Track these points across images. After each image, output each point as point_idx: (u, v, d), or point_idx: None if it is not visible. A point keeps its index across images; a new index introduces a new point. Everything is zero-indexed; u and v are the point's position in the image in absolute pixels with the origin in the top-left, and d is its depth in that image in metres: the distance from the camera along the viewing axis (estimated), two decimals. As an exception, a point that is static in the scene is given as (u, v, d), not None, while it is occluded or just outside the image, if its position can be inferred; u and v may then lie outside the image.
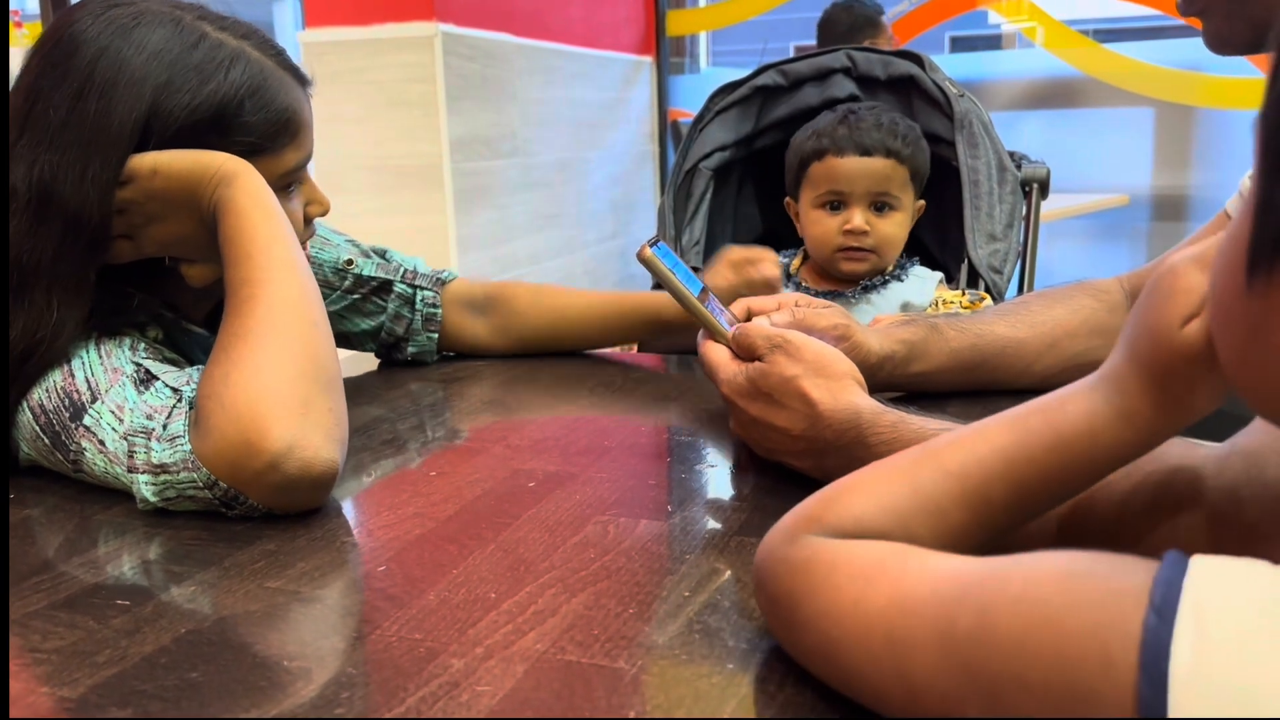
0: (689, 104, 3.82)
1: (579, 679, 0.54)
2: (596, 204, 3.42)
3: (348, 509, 0.82)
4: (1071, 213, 3.03)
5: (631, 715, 0.51)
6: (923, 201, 1.53)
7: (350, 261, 1.18)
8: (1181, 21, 3.00)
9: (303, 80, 0.95)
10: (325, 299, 0.94)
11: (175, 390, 0.81)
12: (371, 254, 1.21)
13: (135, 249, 0.88)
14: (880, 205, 1.48)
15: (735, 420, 0.86)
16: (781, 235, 1.73)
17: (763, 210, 1.92)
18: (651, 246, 0.88)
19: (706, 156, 1.82)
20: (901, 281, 1.51)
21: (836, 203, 1.49)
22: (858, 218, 1.47)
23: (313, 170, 1.00)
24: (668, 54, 3.86)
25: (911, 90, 1.72)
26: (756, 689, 0.53)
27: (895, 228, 1.49)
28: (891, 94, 1.75)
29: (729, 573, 0.67)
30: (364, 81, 2.53)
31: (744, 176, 1.90)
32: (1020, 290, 1.76)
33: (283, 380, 0.77)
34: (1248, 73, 2.97)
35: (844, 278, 1.51)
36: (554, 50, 3.10)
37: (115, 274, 0.89)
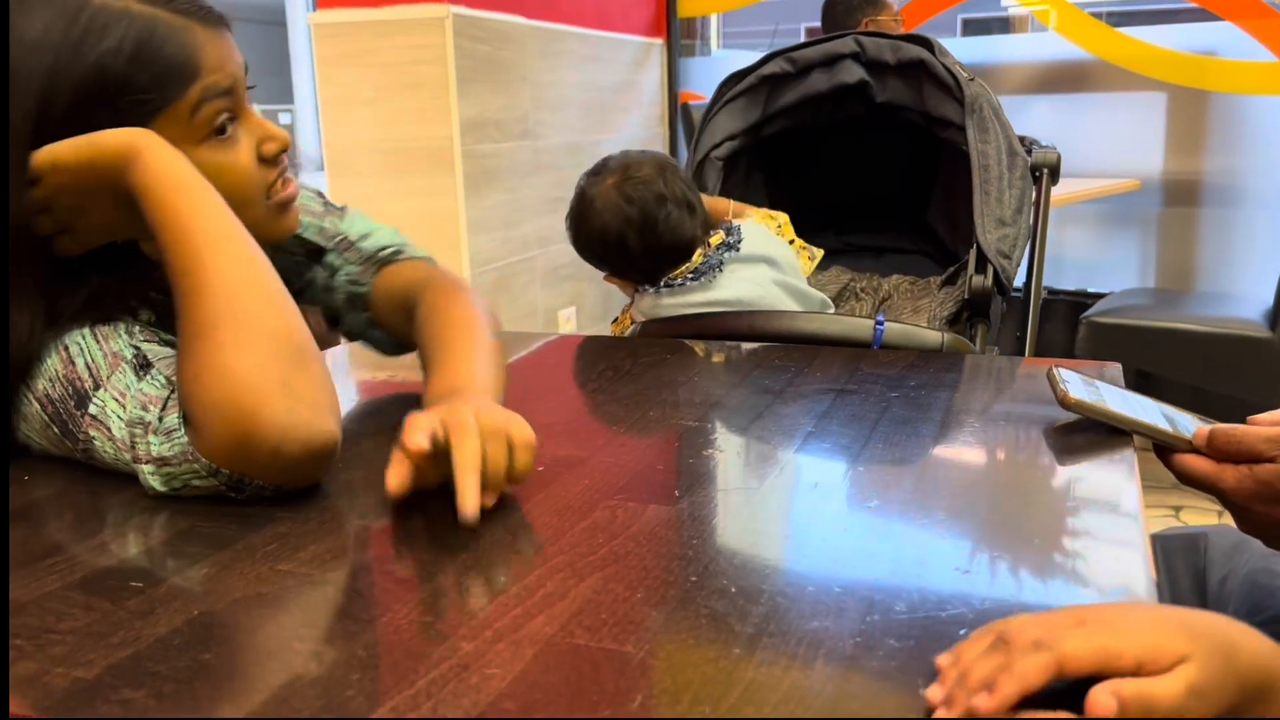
0: (700, 86, 3.81)
1: (587, 662, 0.55)
2: (606, 187, 3.40)
3: (358, 492, 0.82)
4: (1082, 197, 3.02)
5: (638, 699, 0.52)
6: None
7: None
8: (1194, 5, 2.98)
9: (211, 20, 0.87)
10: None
11: (169, 380, 0.80)
12: (328, 212, 1.10)
13: (78, 242, 0.85)
14: None
15: (1244, 521, 0.85)
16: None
17: (770, 196, 1.92)
18: (1063, 384, 0.89)
19: (717, 146, 1.82)
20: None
21: None
22: None
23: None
24: (678, 36, 3.84)
25: (921, 74, 1.71)
26: (762, 673, 0.54)
27: None
28: (901, 79, 1.74)
29: (736, 558, 0.67)
30: (375, 63, 2.52)
31: (751, 164, 1.90)
32: (1030, 275, 1.76)
33: (254, 368, 0.75)
34: (1262, 56, 2.95)
35: None
36: (565, 32, 3.09)
37: (92, 263, 0.87)
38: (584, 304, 3.23)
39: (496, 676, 0.54)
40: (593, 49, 3.28)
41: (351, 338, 1.15)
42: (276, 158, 0.92)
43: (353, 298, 1.09)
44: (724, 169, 1.84)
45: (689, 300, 1.52)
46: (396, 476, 0.74)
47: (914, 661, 0.54)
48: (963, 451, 0.91)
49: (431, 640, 0.57)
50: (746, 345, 1.28)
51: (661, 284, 1.53)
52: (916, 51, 1.71)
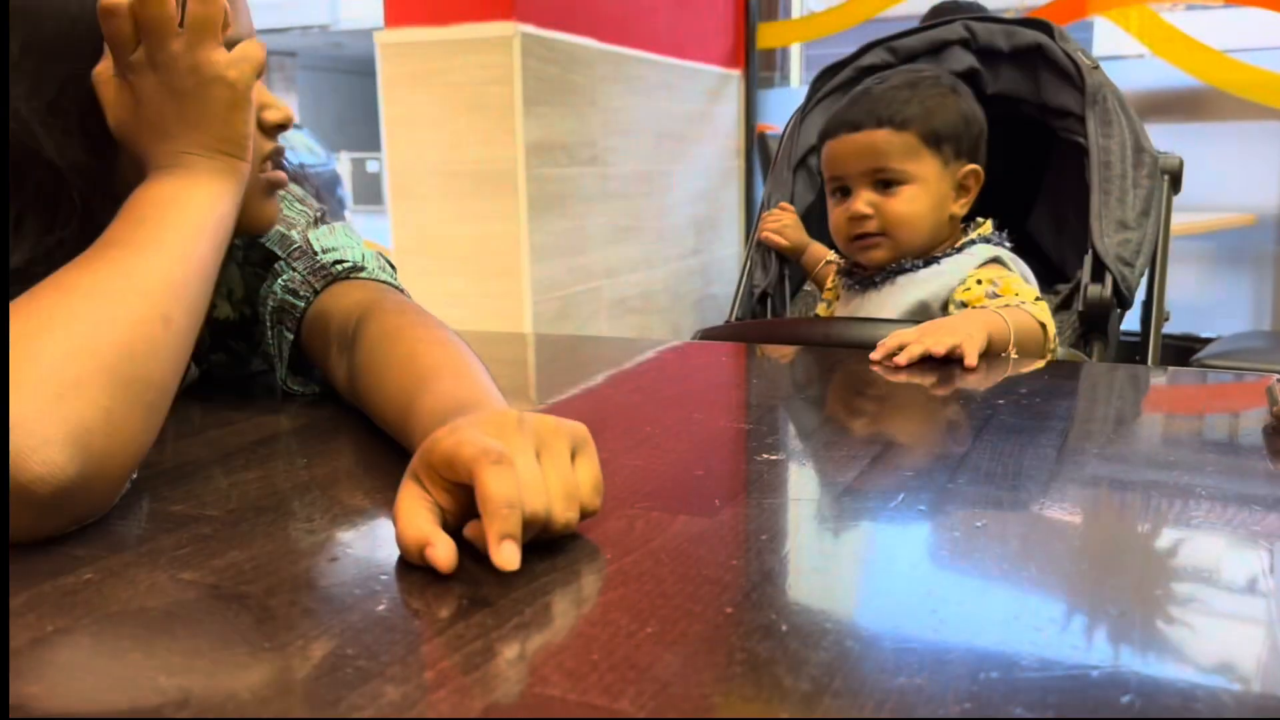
0: (777, 118, 3.65)
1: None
2: (678, 218, 3.27)
3: (361, 489, 0.66)
4: (1192, 230, 2.80)
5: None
6: (973, 166, 1.30)
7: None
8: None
9: None
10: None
11: None
12: (310, 226, 0.90)
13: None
14: (885, 182, 1.29)
15: None
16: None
17: None
18: None
19: (813, 150, 1.66)
20: (937, 264, 1.29)
21: (843, 188, 1.33)
22: (859, 202, 1.30)
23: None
24: (757, 67, 3.70)
25: (1038, 61, 1.54)
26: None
27: (906, 204, 1.29)
28: (1016, 67, 1.58)
29: (790, 586, 0.49)
30: (441, 83, 2.43)
31: None
32: (1150, 289, 1.54)
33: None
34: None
35: (869, 268, 1.34)
36: (638, 58, 2.97)
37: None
38: (651, 337, 3.07)
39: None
40: (667, 76, 3.16)
41: (266, 360, 0.90)
42: (274, 131, 0.81)
43: (283, 310, 0.86)
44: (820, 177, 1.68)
45: None
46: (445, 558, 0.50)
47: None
48: (1084, 467, 0.71)
49: (349, 687, 0.40)
50: (818, 349, 1.10)
51: None
52: (1033, 36, 1.53)
